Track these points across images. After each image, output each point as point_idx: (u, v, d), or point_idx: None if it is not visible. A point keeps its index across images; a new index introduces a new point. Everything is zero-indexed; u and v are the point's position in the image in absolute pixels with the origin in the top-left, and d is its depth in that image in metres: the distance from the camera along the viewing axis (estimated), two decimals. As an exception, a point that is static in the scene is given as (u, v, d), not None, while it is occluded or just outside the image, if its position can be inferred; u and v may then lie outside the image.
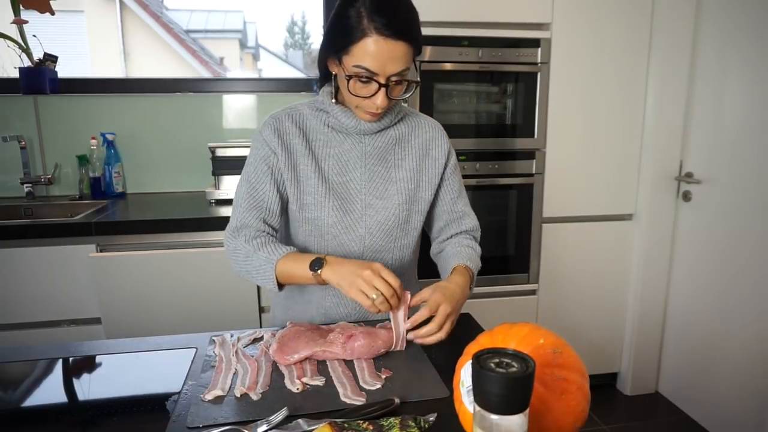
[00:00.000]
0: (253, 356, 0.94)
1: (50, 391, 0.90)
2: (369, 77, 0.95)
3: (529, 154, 2.12)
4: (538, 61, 2.04)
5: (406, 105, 1.19)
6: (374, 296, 0.88)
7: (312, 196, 1.07)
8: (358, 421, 0.69)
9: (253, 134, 1.13)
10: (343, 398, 0.80)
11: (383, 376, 0.87)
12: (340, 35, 0.95)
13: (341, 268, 0.93)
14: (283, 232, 1.18)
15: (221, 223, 1.49)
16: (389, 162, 1.10)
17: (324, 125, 1.09)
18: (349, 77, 0.96)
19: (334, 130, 1.08)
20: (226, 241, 1.06)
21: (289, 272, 0.98)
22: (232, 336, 1.02)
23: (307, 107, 1.11)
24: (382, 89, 0.96)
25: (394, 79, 0.96)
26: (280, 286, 1.01)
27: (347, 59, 0.95)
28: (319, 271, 0.94)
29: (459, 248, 1.13)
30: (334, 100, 1.07)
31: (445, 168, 1.14)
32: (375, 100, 0.97)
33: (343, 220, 1.08)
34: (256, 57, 6.87)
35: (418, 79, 1.01)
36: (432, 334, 0.94)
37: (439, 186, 1.15)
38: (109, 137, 2.24)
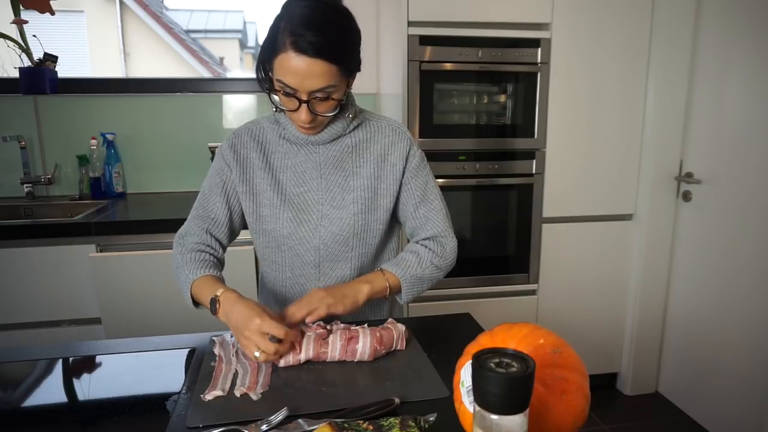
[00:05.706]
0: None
1: (50, 391, 0.90)
2: (289, 93, 0.94)
3: (529, 154, 2.12)
4: (538, 61, 2.04)
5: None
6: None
7: (268, 208, 1.08)
8: (358, 421, 0.69)
9: None
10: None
11: None
12: (267, 47, 0.95)
13: (230, 317, 0.93)
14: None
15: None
16: (347, 170, 1.08)
17: (280, 137, 1.09)
18: (276, 90, 0.96)
19: (289, 141, 1.08)
20: (173, 245, 1.11)
21: (199, 297, 1.01)
22: (232, 336, 1.02)
23: (266, 120, 1.11)
24: (304, 105, 0.94)
25: (318, 95, 0.94)
26: (196, 304, 1.03)
27: (272, 72, 0.95)
28: (216, 312, 0.96)
29: (400, 253, 1.11)
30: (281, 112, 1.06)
31: (403, 173, 1.09)
32: (299, 114, 0.96)
33: (297, 231, 1.08)
34: (256, 57, 6.86)
35: (341, 97, 0.98)
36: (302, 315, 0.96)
37: (400, 192, 1.11)
38: (109, 137, 2.24)
